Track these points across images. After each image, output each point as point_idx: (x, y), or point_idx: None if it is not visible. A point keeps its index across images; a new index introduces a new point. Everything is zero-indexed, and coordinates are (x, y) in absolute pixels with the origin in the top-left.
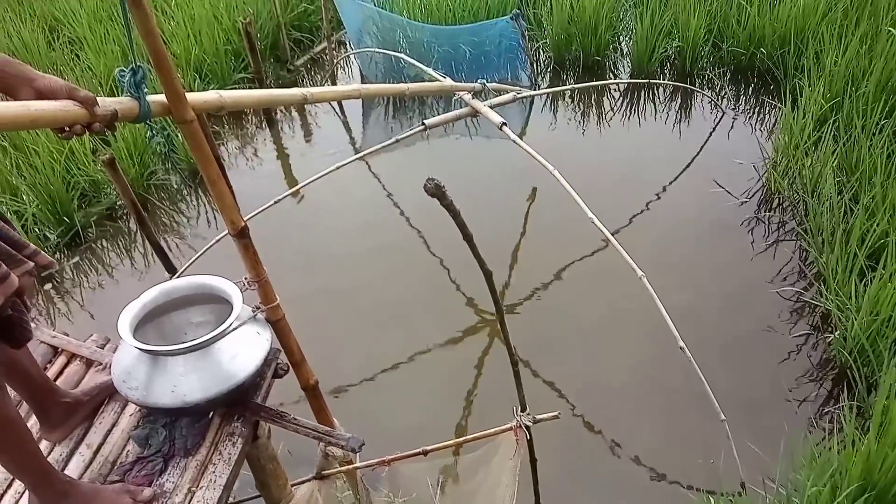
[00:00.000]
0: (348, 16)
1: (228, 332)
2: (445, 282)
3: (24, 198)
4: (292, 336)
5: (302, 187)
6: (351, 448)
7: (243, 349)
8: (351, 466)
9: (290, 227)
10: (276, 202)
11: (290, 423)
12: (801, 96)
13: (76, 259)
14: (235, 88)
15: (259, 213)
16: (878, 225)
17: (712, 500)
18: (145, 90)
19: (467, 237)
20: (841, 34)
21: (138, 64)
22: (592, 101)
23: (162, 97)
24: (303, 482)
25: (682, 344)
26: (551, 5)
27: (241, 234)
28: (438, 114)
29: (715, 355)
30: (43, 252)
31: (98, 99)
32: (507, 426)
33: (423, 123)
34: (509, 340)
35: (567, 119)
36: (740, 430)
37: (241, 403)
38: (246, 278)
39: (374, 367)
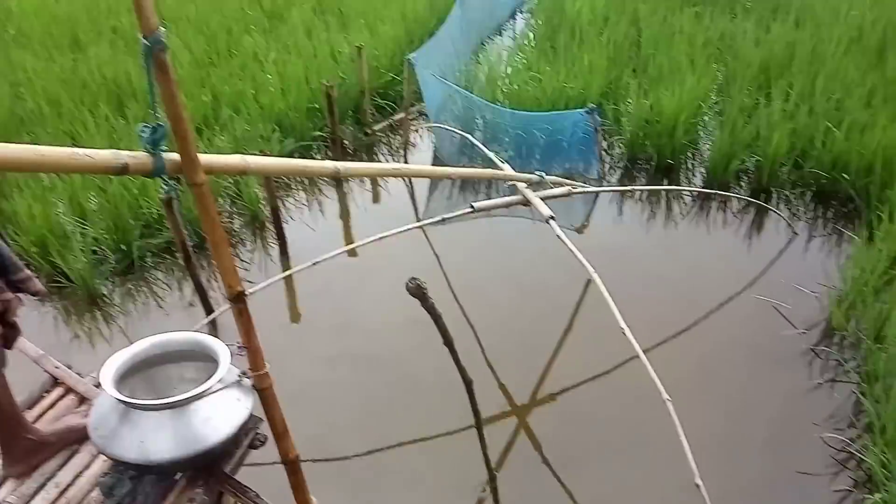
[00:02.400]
0: (430, 90)
1: (205, 395)
2: (478, 362)
3: (91, 219)
4: (277, 406)
5: (354, 247)
6: None
7: (219, 413)
8: None
9: (336, 284)
10: (316, 262)
11: (250, 501)
12: (879, 230)
13: (126, 286)
14: (311, 145)
15: (304, 268)
16: None
17: None
18: (163, 148)
19: (448, 343)
20: None
21: (159, 123)
22: (662, 203)
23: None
24: None
25: (698, 481)
26: (630, 103)
27: (237, 299)
28: (504, 194)
29: (743, 498)
30: (35, 279)
31: (113, 152)
32: None
33: (472, 206)
34: (486, 450)
35: (631, 219)
36: None
37: (209, 470)
38: (238, 343)
39: (377, 443)
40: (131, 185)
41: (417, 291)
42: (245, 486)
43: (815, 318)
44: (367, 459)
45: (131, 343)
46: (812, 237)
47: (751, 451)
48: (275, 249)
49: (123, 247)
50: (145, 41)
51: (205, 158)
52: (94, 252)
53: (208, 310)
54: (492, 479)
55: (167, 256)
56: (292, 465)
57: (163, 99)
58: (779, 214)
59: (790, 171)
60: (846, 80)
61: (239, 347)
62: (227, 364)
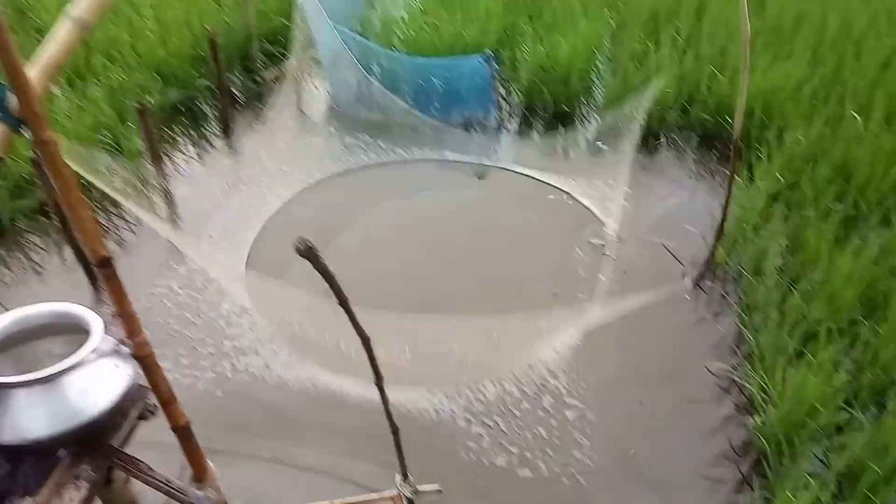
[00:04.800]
0: (323, 36)
1: (79, 367)
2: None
3: None
4: (161, 373)
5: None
6: None
7: (96, 385)
8: None
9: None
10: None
11: (142, 474)
12: (758, 172)
13: None
14: (199, 95)
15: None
16: (813, 311)
17: None
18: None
19: (343, 302)
20: (807, 113)
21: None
22: (559, 150)
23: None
24: None
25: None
26: (526, 50)
27: (103, 264)
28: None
29: (642, 424)
30: None
31: None
32: (387, 494)
33: None
34: (388, 408)
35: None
36: None
37: (94, 445)
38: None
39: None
40: None
41: (307, 252)
42: (135, 459)
43: (701, 255)
44: (269, 426)
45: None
46: (699, 179)
47: (642, 382)
48: (161, 206)
49: None
50: None
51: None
52: None
53: (91, 275)
54: (395, 433)
55: (42, 218)
56: (183, 433)
57: None
58: (669, 159)
59: (678, 116)
60: (730, 26)
61: (112, 315)
62: (100, 333)
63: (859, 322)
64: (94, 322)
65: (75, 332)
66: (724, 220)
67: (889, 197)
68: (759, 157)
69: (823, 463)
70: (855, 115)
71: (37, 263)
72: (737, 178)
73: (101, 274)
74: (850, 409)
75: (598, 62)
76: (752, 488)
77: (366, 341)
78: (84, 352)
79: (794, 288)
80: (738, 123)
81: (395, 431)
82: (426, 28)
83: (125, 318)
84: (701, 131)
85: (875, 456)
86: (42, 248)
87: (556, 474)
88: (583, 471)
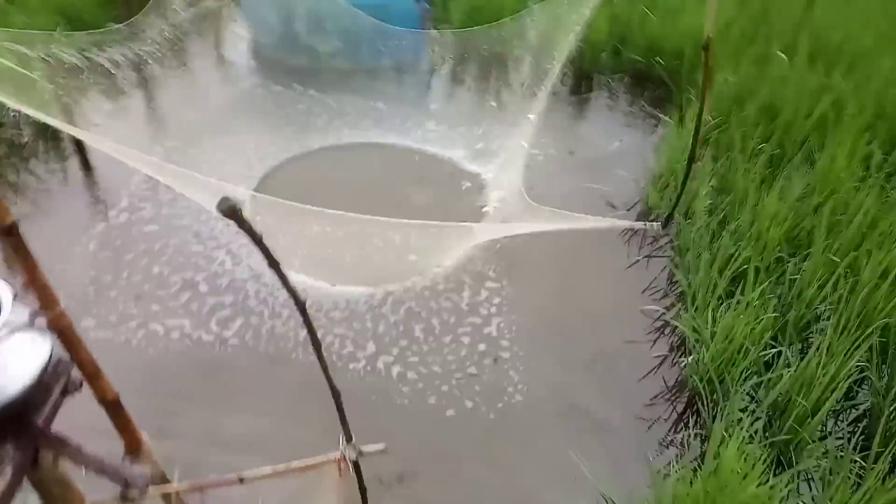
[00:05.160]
0: None
1: None
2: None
3: None
4: (83, 346)
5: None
6: (137, 488)
7: (12, 360)
8: (158, 489)
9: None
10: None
11: (72, 453)
12: (688, 112)
13: None
14: (108, 36)
15: None
16: (741, 251)
17: None
18: None
19: (273, 265)
20: (735, 54)
21: None
22: (492, 93)
23: None
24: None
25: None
26: None
27: (8, 232)
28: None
29: (577, 368)
30: None
31: None
32: (330, 457)
33: None
34: (328, 371)
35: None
36: (592, 447)
37: (17, 425)
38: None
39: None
40: None
41: (231, 212)
42: (63, 438)
43: (634, 198)
44: (204, 395)
45: None
46: (632, 122)
47: (577, 324)
48: (74, 160)
49: None
50: None
51: None
52: None
53: None
54: (336, 397)
55: None
56: (112, 406)
57: None
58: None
59: (610, 57)
60: None
61: (22, 285)
62: (10, 306)
63: (784, 260)
64: (3, 293)
65: None
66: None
67: (812, 135)
68: (689, 99)
69: (754, 399)
70: (781, 54)
71: None
72: (668, 119)
73: (6, 243)
74: (777, 346)
75: (531, 3)
76: (687, 426)
77: (300, 306)
78: None
79: (724, 229)
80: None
81: (336, 395)
82: None
83: (37, 289)
84: (632, 73)
85: (801, 390)
86: None
87: (483, 413)
88: (515, 411)
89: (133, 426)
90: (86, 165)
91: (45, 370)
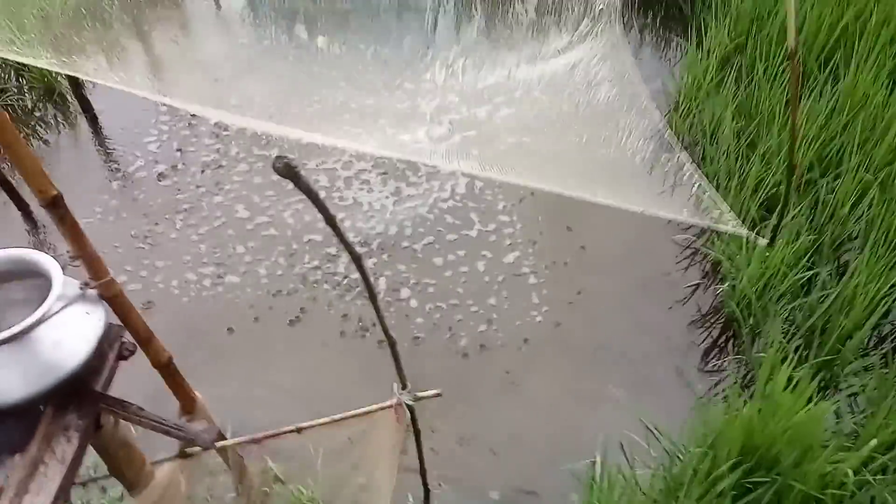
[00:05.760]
0: None
1: (46, 318)
2: None
3: None
4: (135, 312)
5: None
6: (203, 444)
7: (69, 334)
8: (217, 444)
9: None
10: None
11: (134, 415)
12: (706, 35)
13: None
14: None
15: None
16: (773, 175)
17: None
18: None
19: (330, 221)
20: None
21: None
22: (498, 29)
23: None
24: (164, 461)
25: None
26: None
27: (54, 205)
28: None
29: (612, 299)
30: None
31: None
32: (387, 404)
33: None
34: (384, 321)
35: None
36: (630, 378)
37: (77, 393)
38: (68, 252)
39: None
40: None
41: (288, 171)
42: (123, 401)
43: (655, 127)
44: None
45: None
46: (646, 48)
47: (611, 257)
48: (82, 124)
49: None
50: None
51: None
52: None
53: (26, 213)
54: (392, 346)
55: None
56: (166, 369)
57: None
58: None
59: None
60: None
61: (71, 257)
62: (61, 278)
63: (816, 182)
64: (52, 267)
65: (31, 276)
66: None
67: (836, 51)
68: (704, 21)
69: (793, 322)
70: None
71: None
72: (686, 42)
73: (53, 215)
74: (814, 268)
75: None
76: (726, 351)
77: (357, 258)
78: (49, 301)
79: (752, 152)
80: None
81: (392, 343)
82: None
83: (86, 260)
84: None
85: (842, 309)
86: None
87: (515, 347)
88: (550, 346)
89: (187, 386)
90: (95, 127)
91: (101, 340)
